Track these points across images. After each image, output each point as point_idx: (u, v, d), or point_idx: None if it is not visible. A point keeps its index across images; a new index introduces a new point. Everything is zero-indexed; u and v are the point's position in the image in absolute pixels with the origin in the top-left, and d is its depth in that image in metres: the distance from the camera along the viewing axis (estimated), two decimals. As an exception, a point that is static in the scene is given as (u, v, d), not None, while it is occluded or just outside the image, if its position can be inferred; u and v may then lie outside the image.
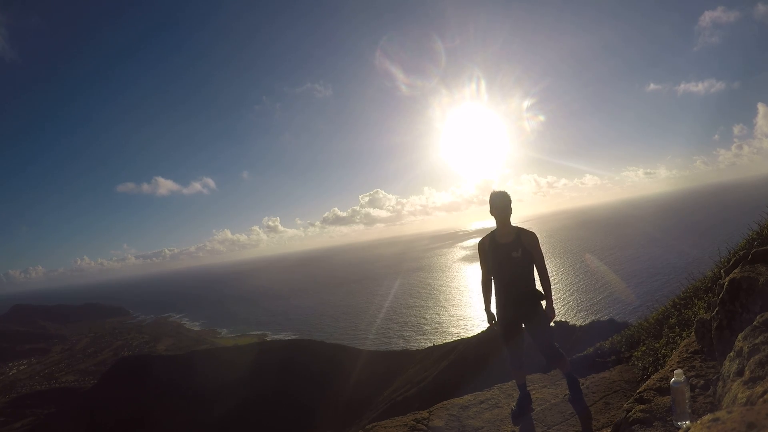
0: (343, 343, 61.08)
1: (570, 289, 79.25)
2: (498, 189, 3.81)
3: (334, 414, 39.43)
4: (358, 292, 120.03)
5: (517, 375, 4.04)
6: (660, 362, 3.90)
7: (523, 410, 3.92)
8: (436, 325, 74.65)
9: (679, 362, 2.99)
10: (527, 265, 3.66)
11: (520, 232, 3.74)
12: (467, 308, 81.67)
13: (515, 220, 3.85)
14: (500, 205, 3.70)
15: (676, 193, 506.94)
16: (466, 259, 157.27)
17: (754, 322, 2.05)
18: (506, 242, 3.71)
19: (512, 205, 3.75)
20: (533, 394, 4.19)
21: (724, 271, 3.12)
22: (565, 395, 4.02)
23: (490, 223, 3.87)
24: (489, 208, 3.75)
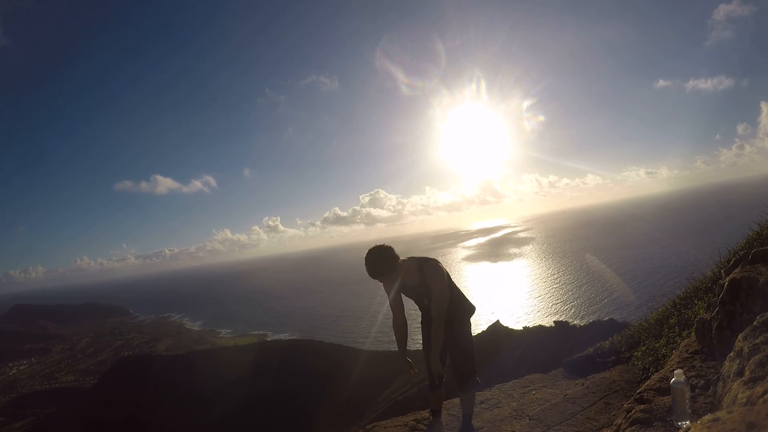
0: (344, 343, 61.10)
1: (570, 289, 79.25)
2: (376, 245, 3.10)
3: (334, 414, 39.47)
4: (358, 292, 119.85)
5: (433, 396, 3.42)
6: (660, 362, 3.90)
7: None
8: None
9: (679, 362, 2.99)
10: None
11: (422, 265, 3.07)
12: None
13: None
14: (370, 263, 3.04)
15: (677, 192, 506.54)
16: (469, 258, 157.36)
17: (754, 322, 2.05)
18: (413, 284, 3.15)
19: (395, 253, 3.06)
20: (533, 394, 4.19)
21: (724, 271, 3.12)
22: (565, 395, 4.01)
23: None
24: None
